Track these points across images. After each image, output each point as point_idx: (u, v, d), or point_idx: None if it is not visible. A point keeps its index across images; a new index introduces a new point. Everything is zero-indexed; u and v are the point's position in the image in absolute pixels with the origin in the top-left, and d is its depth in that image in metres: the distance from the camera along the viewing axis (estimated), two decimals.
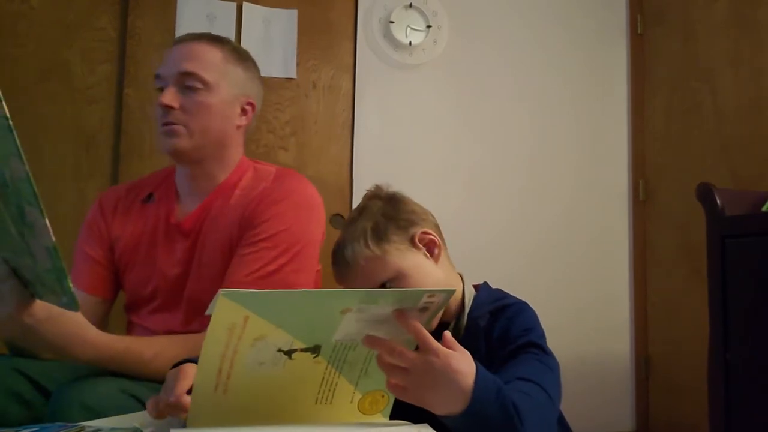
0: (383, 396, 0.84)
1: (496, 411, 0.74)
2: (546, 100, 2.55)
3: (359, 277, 0.98)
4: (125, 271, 1.25)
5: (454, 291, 0.82)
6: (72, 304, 0.80)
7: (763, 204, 1.65)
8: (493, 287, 1.07)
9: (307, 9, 2.28)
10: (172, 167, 1.30)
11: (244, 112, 1.25)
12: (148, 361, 1.02)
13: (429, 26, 2.40)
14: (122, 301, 1.30)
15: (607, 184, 2.60)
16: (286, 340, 0.76)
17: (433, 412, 0.75)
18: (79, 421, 0.86)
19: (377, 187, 1.07)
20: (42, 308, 0.88)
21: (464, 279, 1.05)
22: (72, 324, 0.93)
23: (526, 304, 1.00)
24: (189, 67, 1.16)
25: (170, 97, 1.16)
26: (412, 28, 2.39)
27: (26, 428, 0.82)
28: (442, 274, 1.01)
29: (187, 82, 1.16)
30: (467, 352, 0.76)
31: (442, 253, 1.02)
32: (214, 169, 1.23)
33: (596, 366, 2.49)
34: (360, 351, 0.80)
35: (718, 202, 1.57)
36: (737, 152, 2.15)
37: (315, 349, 0.78)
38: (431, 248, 1.00)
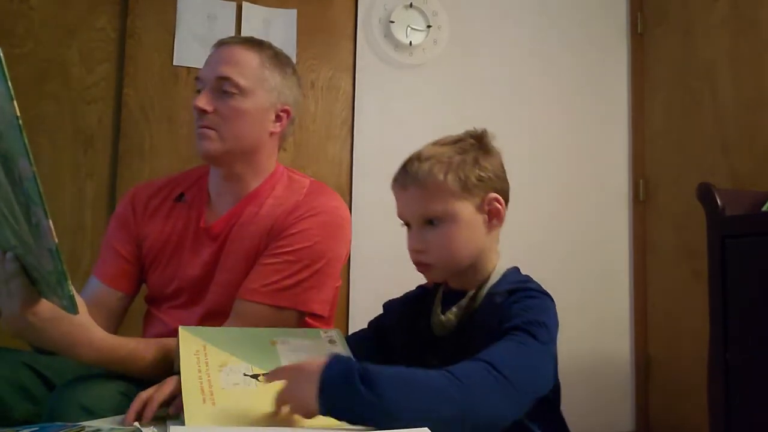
0: None
1: (346, 390, 0.74)
2: (546, 100, 2.55)
3: (413, 196, 0.96)
4: (150, 268, 1.26)
5: (339, 332, 1.00)
6: (71, 308, 0.80)
7: (763, 204, 1.64)
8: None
9: (307, 9, 2.28)
10: (206, 168, 1.30)
11: (278, 118, 1.24)
12: (152, 365, 1.03)
13: (429, 26, 2.40)
14: (144, 290, 1.31)
15: (607, 184, 2.60)
16: (246, 367, 0.88)
17: (306, 415, 0.76)
18: (77, 423, 0.86)
19: (483, 132, 1.04)
20: (47, 308, 0.88)
21: (500, 258, 1.05)
22: (76, 325, 0.94)
23: (546, 295, 0.98)
24: (225, 71, 1.17)
25: (204, 101, 1.16)
26: (412, 28, 2.39)
27: (27, 428, 0.82)
28: (481, 245, 0.99)
29: (224, 87, 1.16)
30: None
31: (497, 227, 1.02)
32: (246, 174, 1.23)
33: (596, 366, 2.49)
34: None
35: (718, 202, 1.57)
36: (737, 152, 2.15)
37: None
38: (491, 217, 0.99)
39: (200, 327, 0.98)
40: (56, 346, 0.94)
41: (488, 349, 0.83)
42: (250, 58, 1.19)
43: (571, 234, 2.52)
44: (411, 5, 2.39)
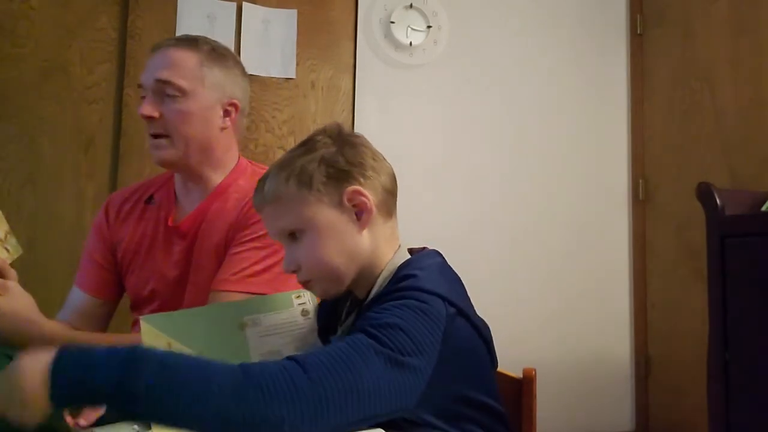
0: None
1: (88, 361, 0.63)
2: (546, 101, 2.55)
3: (269, 214, 0.89)
4: (127, 273, 1.27)
5: (312, 295, 0.91)
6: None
7: (762, 204, 1.65)
8: (428, 261, 0.88)
9: (307, 9, 2.28)
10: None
11: (227, 113, 1.23)
12: None
13: (429, 26, 2.40)
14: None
15: (607, 184, 2.60)
16: None
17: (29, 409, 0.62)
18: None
19: (336, 125, 0.92)
20: None
21: (399, 251, 0.90)
22: (23, 321, 0.96)
23: (421, 292, 0.78)
24: (164, 75, 1.15)
25: (148, 108, 1.15)
26: (412, 29, 2.39)
27: None
28: (356, 247, 0.86)
29: (165, 91, 1.16)
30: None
31: (376, 221, 0.87)
32: (206, 172, 1.23)
33: (596, 366, 2.49)
34: None
35: (718, 201, 1.57)
36: (737, 152, 2.15)
37: None
38: (359, 212, 0.86)
39: (165, 315, 0.94)
40: (10, 343, 0.96)
41: (326, 346, 0.73)
42: (186, 58, 1.18)
43: (571, 233, 2.53)
44: (411, 6, 2.39)
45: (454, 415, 0.80)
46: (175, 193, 1.28)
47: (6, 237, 1.00)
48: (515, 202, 2.49)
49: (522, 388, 0.95)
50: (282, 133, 2.22)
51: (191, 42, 1.21)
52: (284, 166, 0.87)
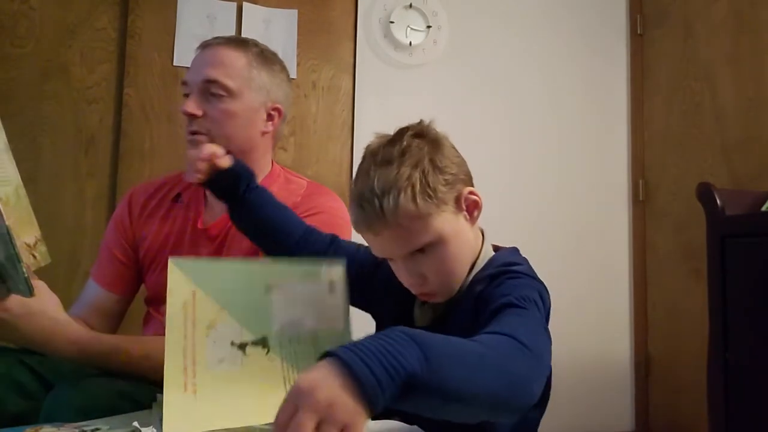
0: None
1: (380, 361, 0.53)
2: (546, 100, 2.55)
3: (391, 237, 0.82)
4: (148, 270, 1.25)
5: (342, 263, 0.87)
6: (26, 291, 0.82)
7: (762, 204, 1.65)
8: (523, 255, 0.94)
9: (307, 9, 2.28)
10: None
11: (270, 117, 1.22)
12: (136, 362, 1.02)
13: (429, 26, 2.40)
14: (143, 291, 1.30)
15: (607, 184, 2.60)
16: (235, 330, 0.82)
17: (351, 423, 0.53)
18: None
19: (422, 123, 0.90)
20: (19, 304, 0.89)
21: (485, 236, 0.94)
22: (50, 320, 0.94)
23: (534, 278, 0.86)
24: (212, 74, 1.15)
25: (193, 105, 1.15)
26: (412, 29, 2.39)
27: (29, 427, 0.82)
28: (472, 237, 0.89)
29: (211, 89, 1.15)
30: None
31: (479, 216, 0.91)
32: None
33: (596, 366, 2.49)
34: (305, 345, 0.83)
35: (718, 201, 1.57)
36: (737, 152, 2.15)
37: (264, 343, 0.82)
38: (472, 210, 0.89)
39: (195, 260, 0.89)
40: (31, 342, 0.95)
41: (497, 323, 0.72)
42: (235, 59, 1.17)
43: (571, 234, 2.53)
44: (411, 5, 2.39)
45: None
46: (204, 193, 1.26)
47: (36, 244, 0.99)
48: (515, 202, 2.49)
49: None
50: (284, 134, 2.22)
51: (241, 42, 1.20)
52: (400, 183, 0.80)
